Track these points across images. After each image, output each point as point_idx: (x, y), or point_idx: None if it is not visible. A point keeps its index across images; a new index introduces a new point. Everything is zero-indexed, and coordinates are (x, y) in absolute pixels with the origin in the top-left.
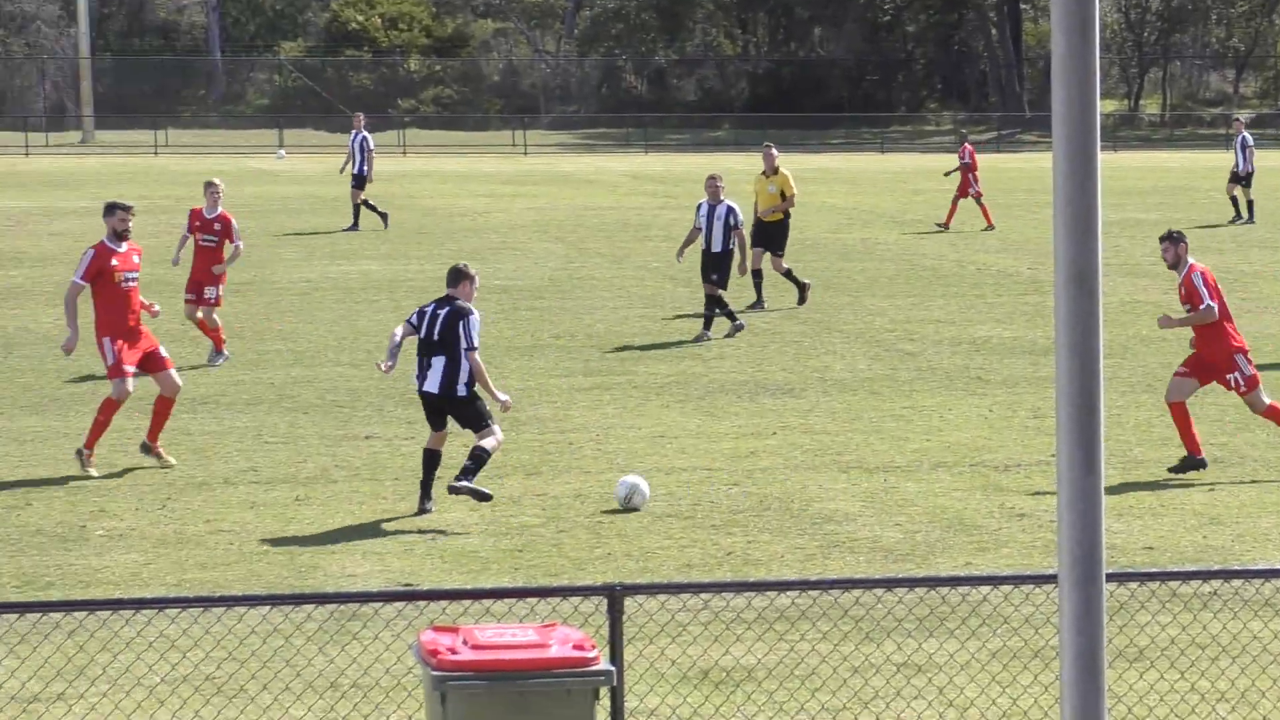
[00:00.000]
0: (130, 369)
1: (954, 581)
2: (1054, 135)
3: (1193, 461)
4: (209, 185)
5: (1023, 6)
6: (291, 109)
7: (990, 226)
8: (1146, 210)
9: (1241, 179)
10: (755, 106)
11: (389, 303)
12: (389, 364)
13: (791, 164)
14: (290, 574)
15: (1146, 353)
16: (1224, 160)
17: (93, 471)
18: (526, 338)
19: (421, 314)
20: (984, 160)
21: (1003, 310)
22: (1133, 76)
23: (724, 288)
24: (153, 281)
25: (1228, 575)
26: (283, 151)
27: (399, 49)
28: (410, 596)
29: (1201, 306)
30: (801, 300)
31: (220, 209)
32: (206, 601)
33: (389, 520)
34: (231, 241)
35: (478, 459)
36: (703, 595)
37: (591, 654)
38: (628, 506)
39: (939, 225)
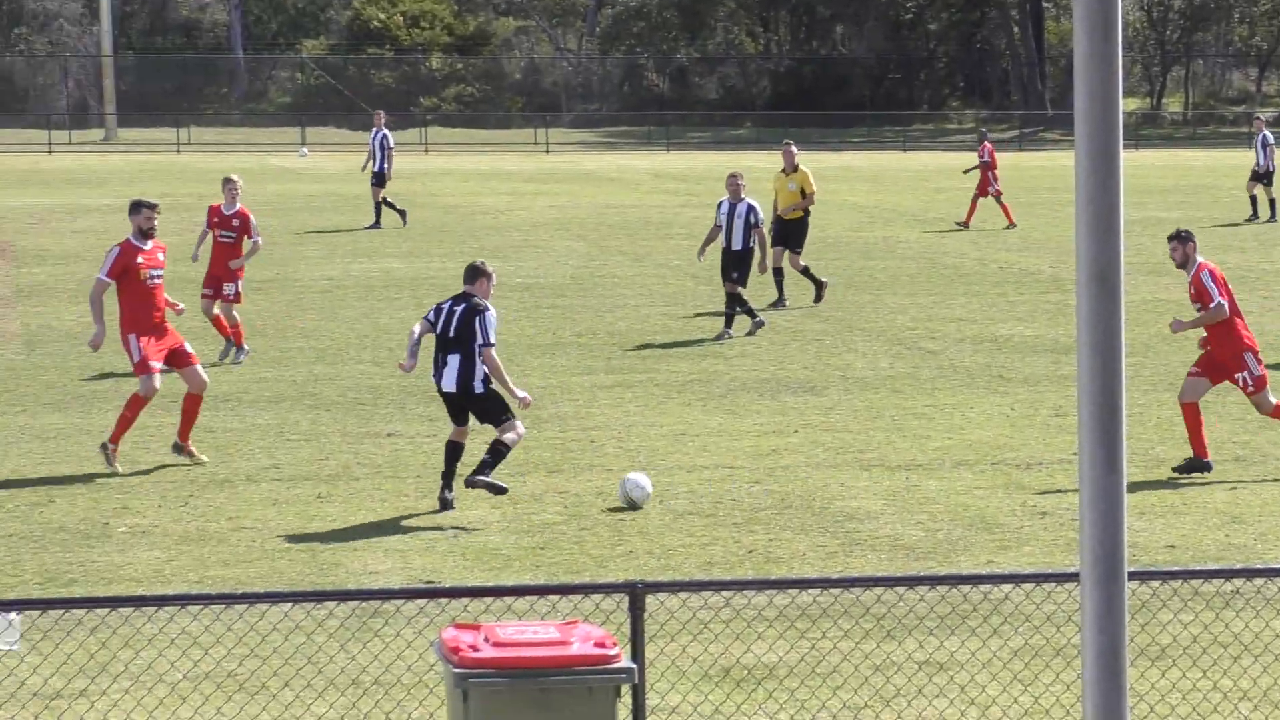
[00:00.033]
0: (157, 365)
1: (976, 579)
2: (1076, 133)
3: (1198, 463)
4: (227, 181)
5: (1045, 4)
6: (313, 107)
7: (1011, 224)
8: (1168, 209)
9: (1262, 177)
10: (777, 105)
11: (411, 300)
12: (410, 362)
13: (813, 162)
14: (312, 571)
15: (1168, 351)
16: (1246, 159)
17: (118, 466)
18: (548, 335)
19: (439, 311)
20: (1006, 159)
21: (1024, 308)
22: (1155, 75)
23: (744, 285)
24: (175, 279)
25: (1250, 574)
26: (305, 149)
27: (421, 47)
28: (432, 594)
29: (1212, 305)
30: (818, 298)
31: (239, 205)
32: (229, 598)
33: (411, 517)
34: (250, 237)
35: (496, 453)
36: (724, 593)
37: (613, 651)
38: (630, 504)
39: (959, 224)
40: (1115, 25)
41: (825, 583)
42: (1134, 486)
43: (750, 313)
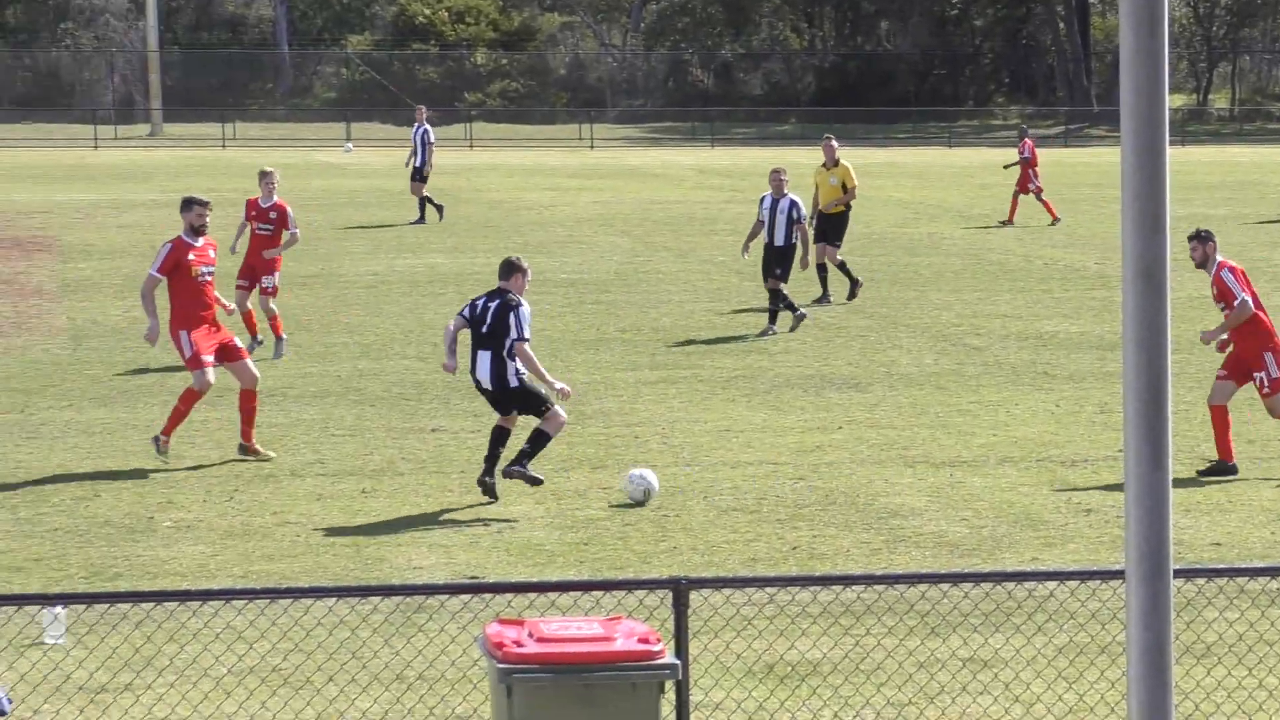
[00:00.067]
0: (209, 359)
1: (1020, 577)
2: (1122, 130)
3: (1223, 467)
4: (264, 174)
5: (1091, 0)
6: (358, 102)
7: (1055, 220)
8: (1215, 205)
9: None
10: (821, 100)
11: (455, 296)
12: (451, 362)
13: (857, 158)
14: (356, 566)
15: (1214, 348)
16: None
17: (166, 458)
18: (592, 331)
19: (473, 307)
20: (1052, 155)
21: (1070, 305)
22: (1201, 71)
23: (785, 281)
24: (218, 274)
25: None
26: (350, 145)
27: (466, 42)
28: (476, 589)
29: (1236, 302)
30: (851, 295)
31: (276, 198)
32: (273, 593)
33: (455, 512)
34: (288, 230)
35: (537, 442)
36: (768, 589)
37: (657, 647)
38: (638, 500)
39: (1002, 223)
40: (1161, 21)
41: (869, 579)
42: (1179, 483)
43: (791, 307)
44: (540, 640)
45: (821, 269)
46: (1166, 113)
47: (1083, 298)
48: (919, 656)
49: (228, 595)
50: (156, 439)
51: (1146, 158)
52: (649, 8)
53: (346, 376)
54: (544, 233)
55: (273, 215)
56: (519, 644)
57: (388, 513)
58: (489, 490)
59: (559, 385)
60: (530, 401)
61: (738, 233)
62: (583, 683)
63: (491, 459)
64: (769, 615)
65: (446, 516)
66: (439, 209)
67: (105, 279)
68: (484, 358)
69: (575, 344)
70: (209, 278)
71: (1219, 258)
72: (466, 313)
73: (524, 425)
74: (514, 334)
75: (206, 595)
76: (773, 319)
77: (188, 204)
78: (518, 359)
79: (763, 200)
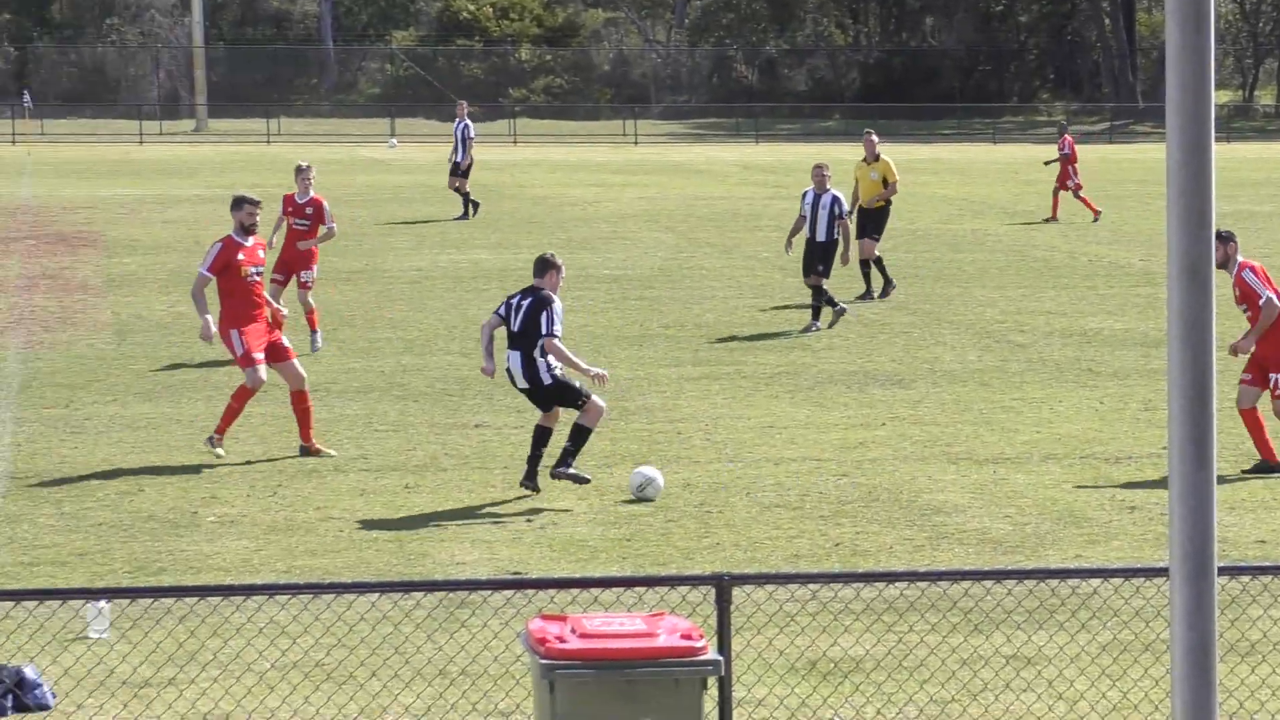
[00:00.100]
0: (260, 356)
1: (1064, 574)
2: (1168, 126)
3: (1267, 466)
4: (300, 170)
5: None
6: (403, 98)
7: (1096, 215)
8: (1260, 202)
9: None
10: (866, 97)
11: (499, 291)
12: (489, 364)
13: (902, 154)
14: (399, 561)
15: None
16: None
17: (220, 452)
18: (635, 327)
19: (508, 305)
20: (1097, 151)
21: (1114, 302)
22: (1248, 67)
23: (827, 277)
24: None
25: None
26: (394, 140)
27: (510, 38)
28: (519, 585)
29: (1261, 301)
30: (884, 294)
31: (312, 193)
32: (316, 588)
33: (498, 508)
34: (324, 224)
35: (577, 438)
36: (811, 586)
37: (699, 644)
38: (640, 496)
39: (1046, 220)
40: (1207, 17)
41: (912, 576)
42: (1224, 480)
43: (831, 302)
44: (583, 636)
45: (864, 265)
46: (1212, 109)
47: (1127, 294)
48: (962, 654)
49: (271, 590)
50: (211, 439)
51: (1192, 154)
52: (693, 4)
53: (390, 372)
54: (587, 229)
55: (309, 210)
56: (562, 640)
57: (431, 508)
58: (533, 489)
59: (594, 371)
60: (567, 395)
61: (781, 229)
62: (625, 679)
63: (534, 459)
64: (812, 612)
65: (489, 512)
66: (474, 205)
67: (150, 274)
68: (515, 358)
69: (618, 340)
70: (258, 278)
71: (1240, 258)
72: (502, 311)
73: (565, 422)
74: (544, 330)
75: (250, 590)
76: (816, 315)
77: (238, 203)
78: (549, 355)
79: (805, 195)
